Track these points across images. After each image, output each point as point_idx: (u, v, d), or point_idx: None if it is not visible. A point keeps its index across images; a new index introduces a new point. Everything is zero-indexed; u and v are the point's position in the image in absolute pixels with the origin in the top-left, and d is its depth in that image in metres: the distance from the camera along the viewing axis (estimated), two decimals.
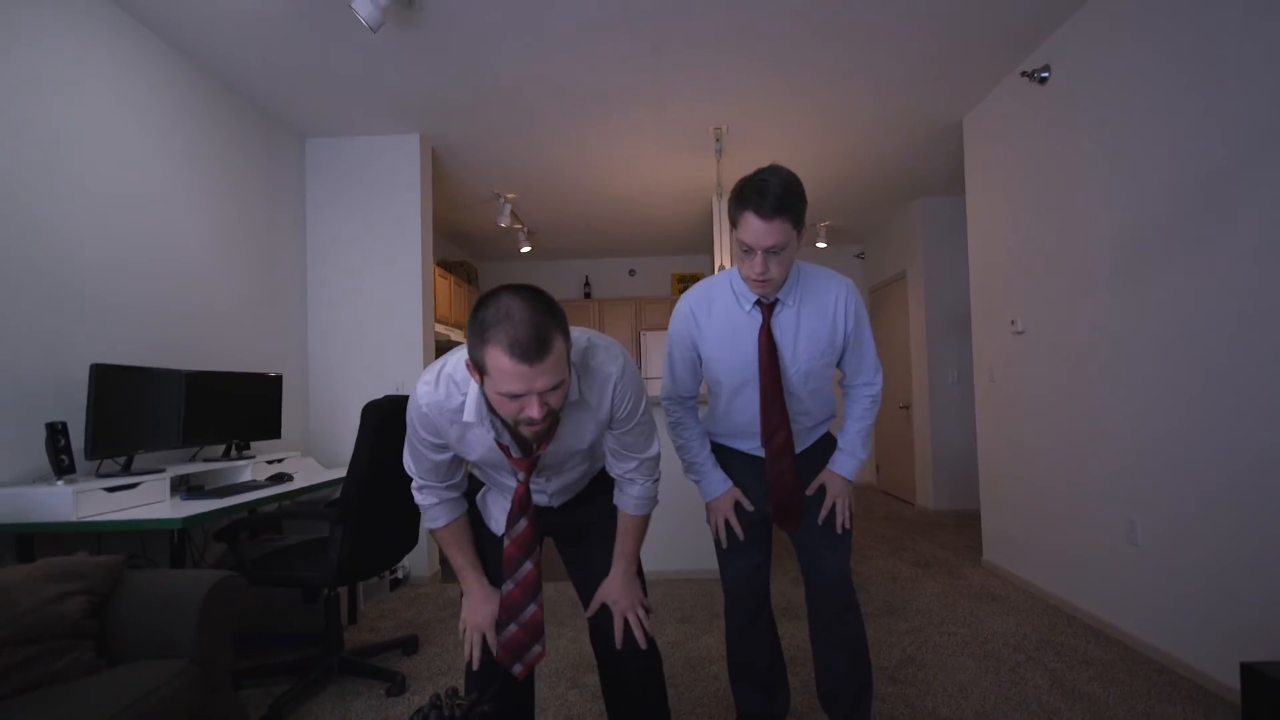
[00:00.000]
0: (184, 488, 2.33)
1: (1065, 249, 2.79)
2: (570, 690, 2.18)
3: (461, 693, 1.10)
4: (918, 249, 5.15)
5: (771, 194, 1.32)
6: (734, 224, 1.40)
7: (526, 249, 5.60)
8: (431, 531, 1.35)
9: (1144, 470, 2.37)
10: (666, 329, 1.69)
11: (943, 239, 5.05)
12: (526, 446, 1.22)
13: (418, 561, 3.54)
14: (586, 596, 1.44)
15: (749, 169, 1.44)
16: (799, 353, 1.52)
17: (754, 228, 1.34)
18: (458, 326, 5.27)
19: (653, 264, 7.07)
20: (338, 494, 2.73)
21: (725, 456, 1.69)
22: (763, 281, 1.41)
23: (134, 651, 1.49)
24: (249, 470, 2.54)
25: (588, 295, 6.96)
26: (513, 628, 1.28)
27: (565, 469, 1.36)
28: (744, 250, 1.39)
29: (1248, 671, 1.48)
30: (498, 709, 1.24)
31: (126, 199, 2.38)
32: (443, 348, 5.16)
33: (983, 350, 3.54)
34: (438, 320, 4.80)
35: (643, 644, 1.37)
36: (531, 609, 1.28)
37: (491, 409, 1.14)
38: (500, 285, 1.07)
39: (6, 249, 1.93)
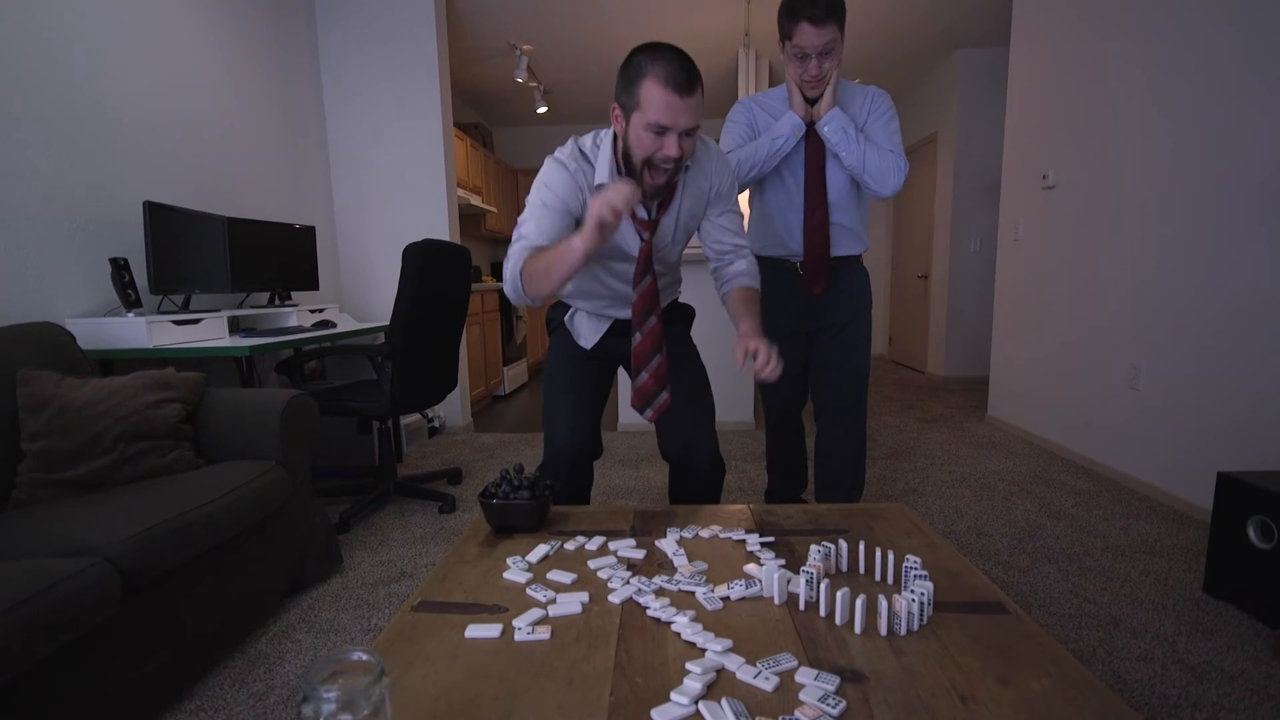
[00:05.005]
0: (238, 329, 2.47)
1: (1113, 97, 2.68)
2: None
3: (526, 471, 1.27)
4: (953, 106, 4.91)
5: (821, 2, 1.56)
6: (788, 36, 1.62)
7: (542, 109, 5.40)
8: (524, 282, 1.27)
9: (1152, 317, 2.45)
10: None
11: (979, 96, 4.80)
12: (648, 208, 1.37)
13: (451, 412, 3.78)
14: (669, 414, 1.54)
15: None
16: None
17: (808, 32, 1.57)
18: (476, 191, 5.21)
19: None
20: (377, 341, 2.90)
21: (772, 267, 1.85)
22: (817, 81, 1.64)
23: (225, 454, 1.69)
24: (294, 316, 2.67)
25: None
26: (644, 375, 1.43)
27: (665, 257, 1.48)
28: (799, 56, 1.62)
29: (1222, 478, 1.64)
30: (560, 485, 1.42)
31: (142, 42, 2.33)
32: (465, 212, 5.14)
33: (1010, 208, 3.50)
34: (457, 184, 4.75)
35: (775, 375, 1.26)
36: (658, 359, 1.42)
37: (625, 164, 1.27)
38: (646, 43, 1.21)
39: (53, 90, 1.93)
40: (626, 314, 1.53)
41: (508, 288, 1.32)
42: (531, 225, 1.31)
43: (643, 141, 1.21)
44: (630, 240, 1.40)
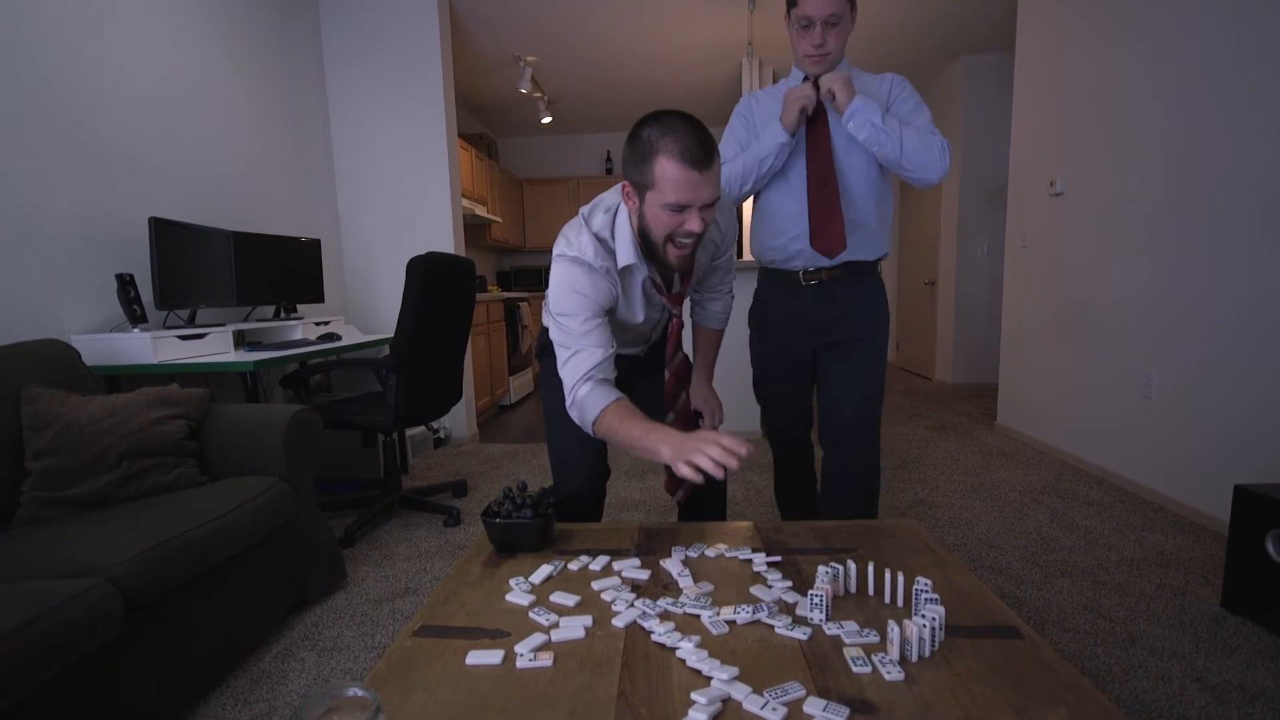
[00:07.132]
0: (243, 343, 2.48)
1: (1120, 103, 2.66)
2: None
3: (529, 489, 1.25)
4: (957, 113, 4.89)
5: None
6: (793, 3, 1.48)
7: (547, 119, 5.42)
8: (595, 427, 1.23)
9: (1164, 324, 2.41)
10: None
11: (984, 103, 4.79)
12: (671, 281, 1.33)
13: (457, 423, 3.77)
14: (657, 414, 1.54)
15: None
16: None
17: None
18: (481, 201, 5.23)
19: None
20: (382, 354, 2.89)
21: (773, 281, 1.72)
22: (821, 56, 1.47)
23: (228, 470, 1.69)
24: (299, 330, 2.68)
25: (609, 171, 6.80)
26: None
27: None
28: (803, 26, 1.47)
29: (1239, 491, 1.60)
30: (578, 516, 1.41)
31: (148, 57, 2.35)
32: (469, 223, 5.15)
33: (1017, 215, 3.48)
34: (462, 195, 4.76)
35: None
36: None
37: (644, 246, 1.21)
38: (652, 111, 1.13)
39: (57, 105, 1.95)
40: (628, 352, 1.53)
41: (569, 404, 1.25)
42: (578, 334, 1.23)
43: (661, 221, 1.14)
44: (638, 308, 1.35)
